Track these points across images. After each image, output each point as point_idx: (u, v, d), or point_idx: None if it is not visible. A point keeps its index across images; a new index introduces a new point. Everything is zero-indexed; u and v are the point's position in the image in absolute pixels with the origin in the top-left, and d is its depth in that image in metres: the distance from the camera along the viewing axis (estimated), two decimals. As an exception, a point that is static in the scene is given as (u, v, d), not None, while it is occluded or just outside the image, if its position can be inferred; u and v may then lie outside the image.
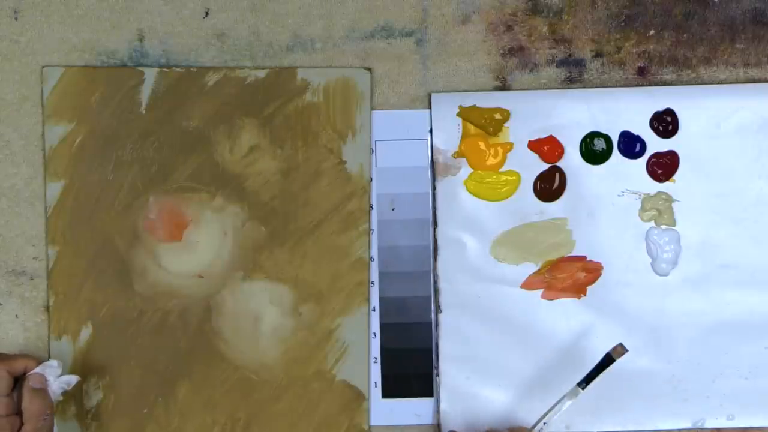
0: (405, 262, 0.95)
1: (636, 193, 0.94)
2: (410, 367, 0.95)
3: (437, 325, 0.94)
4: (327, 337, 0.94)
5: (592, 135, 0.94)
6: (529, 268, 0.94)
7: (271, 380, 0.94)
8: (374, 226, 0.95)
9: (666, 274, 0.94)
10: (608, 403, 0.94)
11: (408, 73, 0.95)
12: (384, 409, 0.95)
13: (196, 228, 0.94)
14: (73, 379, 0.89)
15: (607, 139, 0.94)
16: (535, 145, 0.94)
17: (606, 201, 0.94)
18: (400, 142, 0.95)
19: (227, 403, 0.94)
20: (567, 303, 0.94)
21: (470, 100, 0.94)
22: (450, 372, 0.94)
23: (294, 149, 0.94)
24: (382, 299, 0.95)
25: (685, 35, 0.95)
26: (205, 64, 0.95)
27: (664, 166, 0.94)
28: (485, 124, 0.94)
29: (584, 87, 0.95)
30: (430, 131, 0.95)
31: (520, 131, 0.94)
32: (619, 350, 0.88)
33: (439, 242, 0.94)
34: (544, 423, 0.88)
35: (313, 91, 0.94)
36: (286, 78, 0.94)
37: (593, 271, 0.94)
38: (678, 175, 0.94)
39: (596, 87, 0.95)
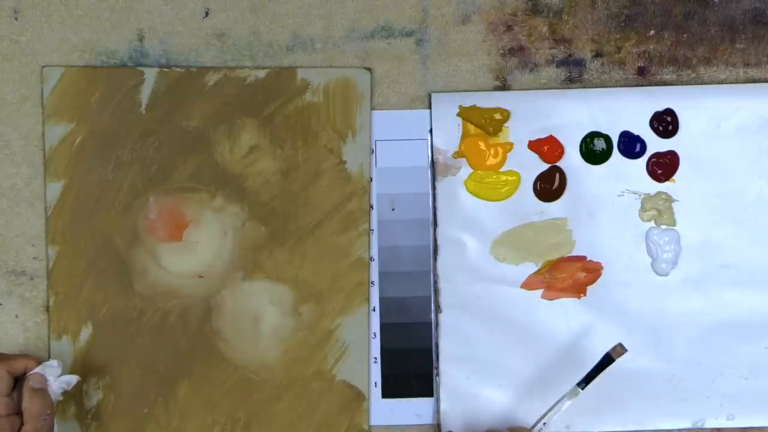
0: (405, 262, 0.95)
1: (636, 193, 0.94)
2: (410, 367, 0.95)
3: (437, 325, 0.94)
4: (327, 337, 0.94)
5: (592, 135, 0.94)
6: (529, 268, 0.94)
7: (271, 380, 0.94)
8: (374, 226, 0.95)
9: (666, 274, 0.94)
10: (608, 403, 0.94)
11: (408, 73, 0.95)
12: (384, 409, 0.95)
13: (196, 228, 0.94)
14: (73, 379, 0.89)
15: (607, 139, 0.94)
16: (535, 145, 0.94)
17: (606, 201, 0.94)
18: (400, 142, 0.95)
19: (227, 403, 0.94)
20: (567, 303, 0.94)
21: (470, 100, 0.94)
22: (450, 372, 0.94)
23: (294, 149, 0.94)
24: (382, 299, 0.95)
25: (685, 35, 0.95)
26: (205, 64, 0.95)
27: (664, 166, 0.94)
28: (485, 124, 0.94)
29: (584, 87, 0.95)
30: (430, 131, 0.95)
31: (520, 131, 0.94)
32: (619, 350, 0.88)
33: (439, 242, 0.94)
34: (544, 423, 0.88)
35: (313, 91, 0.94)
36: (286, 78, 0.94)
37: (593, 271, 0.94)
38: (678, 175, 0.94)
39: (596, 87, 0.95)
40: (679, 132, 0.94)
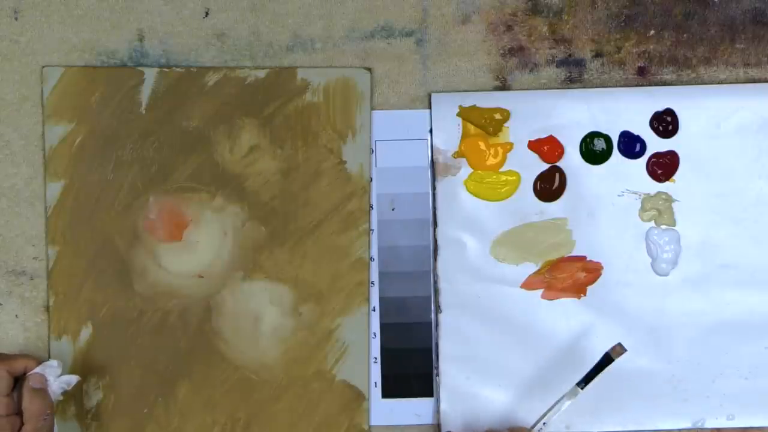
0: (405, 262, 0.95)
1: (636, 193, 0.94)
2: (410, 367, 0.95)
3: (437, 325, 0.94)
4: (327, 337, 0.94)
5: (592, 135, 0.94)
6: (529, 268, 0.94)
7: (271, 380, 0.94)
8: (374, 226, 0.95)
9: (666, 274, 0.94)
10: (608, 403, 0.94)
11: (408, 73, 0.95)
12: (384, 409, 0.95)
13: (196, 228, 0.94)
14: (73, 379, 0.89)
15: (607, 139, 0.94)
16: (535, 145, 0.94)
17: (606, 201, 0.94)
18: (400, 142, 0.95)
19: (227, 403, 0.94)
20: (567, 303, 0.94)
21: (470, 100, 0.94)
22: (450, 372, 0.94)
23: (294, 149, 0.94)
24: (382, 299, 0.95)
25: (685, 35, 0.95)
26: (205, 64, 0.95)
27: (664, 166, 0.94)
28: (485, 124, 0.94)
29: (584, 87, 0.95)
30: (430, 131, 0.95)
31: (520, 131, 0.94)
32: (618, 350, 0.88)
33: (439, 242, 0.94)
34: (544, 423, 0.88)
35: (313, 91, 0.94)
36: (286, 78, 0.94)
37: (593, 271, 0.94)
38: (678, 175, 0.94)
39: (596, 87, 0.95)
40: (679, 132, 0.94)
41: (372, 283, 0.95)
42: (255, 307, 0.94)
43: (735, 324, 0.94)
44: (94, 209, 0.94)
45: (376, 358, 0.95)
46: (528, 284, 0.94)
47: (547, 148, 0.94)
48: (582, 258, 0.94)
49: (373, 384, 0.95)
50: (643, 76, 0.95)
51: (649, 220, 0.94)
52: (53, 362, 0.88)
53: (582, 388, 0.88)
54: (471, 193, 0.94)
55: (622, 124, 0.94)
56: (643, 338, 0.94)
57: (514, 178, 0.94)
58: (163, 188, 0.94)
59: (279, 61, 0.95)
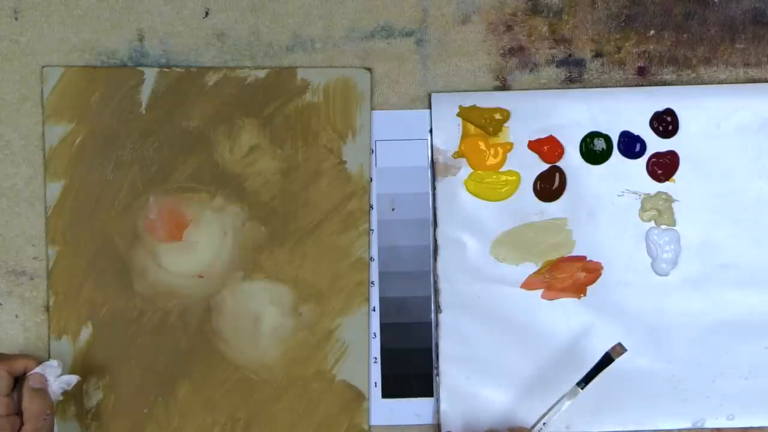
0: (405, 262, 0.95)
1: (636, 193, 0.94)
2: (410, 367, 0.95)
3: (437, 325, 0.94)
4: (327, 337, 0.94)
5: (592, 135, 0.94)
6: (529, 268, 0.94)
7: (271, 380, 0.94)
8: (374, 226, 0.95)
9: (666, 274, 0.94)
10: (608, 403, 0.94)
11: (408, 73, 0.95)
12: (384, 409, 0.95)
13: (196, 228, 0.94)
14: (73, 379, 0.89)
15: (607, 139, 0.94)
16: (535, 145, 0.94)
17: (606, 201, 0.94)
18: (400, 142, 0.95)
19: (227, 403, 0.94)
20: (567, 303, 0.94)
21: (470, 100, 0.94)
22: (450, 372, 0.94)
23: (294, 149, 0.94)
24: (382, 299, 0.95)
25: (685, 35, 0.95)
26: (205, 64, 0.95)
27: (664, 166, 0.94)
28: (485, 124, 0.94)
29: (584, 87, 0.95)
30: (430, 131, 0.95)
31: (520, 131, 0.94)
32: (618, 350, 0.88)
33: (439, 242, 0.94)
34: (544, 423, 0.88)
35: (313, 91, 0.94)
36: (286, 78, 0.94)
37: (593, 271, 0.94)
38: (678, 175, 0.94)
39: (596, 87, 0.95)
40: (679, 132, 0.94)
41: (372, 283, 0.95)
42: (255, 307, 0.94)
43: (735, 324, 0.94)
44: (94, 209, 0.94)
45: (376, 358, 0.95)
46: (528, 284, 0.94)
47: (547, 148, 0.94)
48: (582, 258, 0.94)
49: (373, 384, 0.95)
50: (643, 76, 0.95)
51: (649, 220, 0.94)
52: (53, 362, 0.88)
53: (582, 388, 0.88)
54: (471, 193, 0.94)
55: (622, 124, 0.94)
56: (643, 338, 0.94)
57: (514, 178, 0.94)
58: (163, 188, 0.94)
59: (279, 61, 0.95)
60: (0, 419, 0.84)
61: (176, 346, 0.94)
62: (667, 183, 0.94)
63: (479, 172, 0.94)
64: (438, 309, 0.94)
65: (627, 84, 0.95)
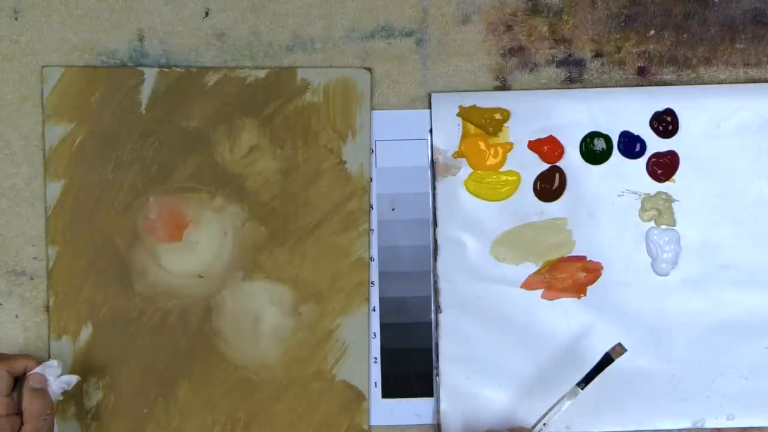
0: (405, 262, 0.95)
1: (636, 193, 0.94)
2: (410, 367, 0.95)
3: (437, 325, 0.94)
4: (327, 337, 0.94)
5: (592, 135, 0.94)
6: (529, 268, 0.94)
7: (271, 380, 0.94)
8: (374, 226, 0.95)
9: (666, 274, 0.94)
10: (608, 403, 0.94)
11: (408, 73, 0.95)
12: (384, 409, 0.95)
13: (196, 228, 0.94)
14: (73, 379, 0.89)
15: (607, 139, 0.94)
16: (535, 145, 0.94)
17: (606, 201, 0.94)
18: (400, 142, 0.95)
19: (227, 403, 0.94)
20: (567, 303, 0.94)
21: (470, 100, 0.94)
22: (450, 372, 0.94)
23: (294, 149, 0.94)
24: (382, 299, 0.95)
25: (685, 35, 0.95)
26: (205, 64, 0.95)
27: (664, 166, 0.94)
28: (485, 124, 0.94)
29: (584, 87, 0.95)
30: (430, 131, 0.95)
31: (520, 131, 0.94)
32: (618, 350, 0.88)
33: (439, 242, 0.94)
34: (544, 423, 0.88)
35: (313, 91, 0.94)
36: (286, 78, 0.94)
37: (593, 271, 0.94)
38: (678, 175, 0.94)
39: (596, 87, 0.95)
40: (679, 132, 0.94)
41: (372, 283, 0.95)
42: (255, 307, 0.94)
43: (735, 324, 0.94)
44: (94, 209, 0.94)
45: (376, 358, 0.95)
46: (528, 284, 0.94)
47: (547, 148, 0.94)
48: (582, 258, 0.94)
49: (373, 384, 0.95)
50: (643, 76, 0.95)
51: (649, 220, 0.94)
52: (53, 362, 0.88)
53: (582, 388, 0.88)
54: (471, 193, 0.94)
55: (622, 124, 0.94)
56: (643, 338, 0.94)
57: (514, 178, 0.94)
58: (163, 188, 0.94)
59: (279, 61, 0.95)
60: (0, 419, 0.84)
61: (176, 346, 0.94)
62: (667, 183, 0.94)
63: (479, 172, 0.94)
64: (438, 309, 0.94)
65: (627, 84, 0.95)
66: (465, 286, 0.94)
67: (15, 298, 0.94)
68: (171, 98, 0.94)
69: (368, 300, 0.94)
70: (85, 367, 0.94)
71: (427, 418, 0.95)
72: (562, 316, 0.94)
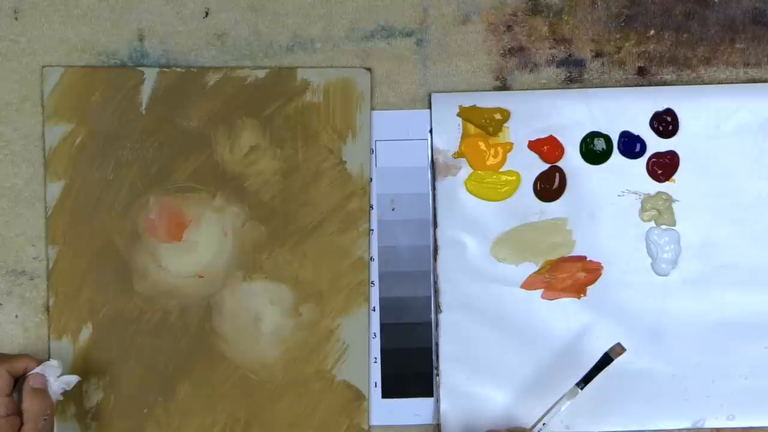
0: (405, 262, 0.95)
1: (636, 193, 0.94)
2: (410, 367, 0.95)
3: (437, 325, 0.94)
4: (327, 337, 0.94)
5: (592, 135, 0.94)
6: (529, 268, 0.94)
7: (271, 380, 0.94)
8: (374, 226, 0.95)
9: (666, 274, 0.94)
10: (608, 403, 0.94)
11: (408, 73, 0.95)
12: (384, 409, 0.95)
13: (196, 228, 0.94)
14: (73, 379, 0.89)
15: (607, 139, 0.94)
16: (535, 145, 0.94)
17: (606, 201, 0.94)
18: (400, 142, 0.95)
19: (227, 403, 0.94)
20: (567, 303, 0.94)
21: (470, 100, 0.94)
22: (450, 372, 0.94)
23: (294, 149, 0.94)
24: (382, 299, 0.95)
25: (685, 35, 0.95)
26: (205, 64, 0.95)
27: (664, 166, 0.94)
28: (485, 124, 0.94)
29: (584, 87, 0.95)
30: (430, 131, 0.95)
31: (520, 131, 0.94)
32: (617, 350, 0.88)
33: (439, 242, 0.94)
34: (544, 423, 0.88)
35: (313, 91, 0.94)
36: (286, 78, 0.94)
37: (593, 271, 0.94)
38: (678, 175, 0.94)
39: (596, 87, 0.95)
40: (679, 132, 0.94)
41: (372, 283, 0.95)
42: (255, 307, 0.94)
43: (735, 324, 0.94)
44: (94, 209, 0.94)
45: (376, 358, 0.95)
46: (528, 284, 0.94)
47: (547, 148, 0.94)
48: (582, 258, 0.94)
49: (373, 384, 0.95)
50: (643, 76, 0.95)
51: (649, 220, 0.94)
52: (53, 362, 0.88)
53: (581, 389, 0.88)
54: (471, 193, 0.94)
55: (622, 124, 0.94)
56: (643, 338, 0.94)
57: (514, 178, 0.94)
58: (163, 188, 0.94)
59: (279, 61, 0.95)
60: (0, 419, 0.84)
61: (176, 346, 0.94)
62: (667, 183, 0.94)
63: (479, 172, 0.94)
64: (438, 309, 0.94)
65: (627, 84, 0.95)
66: (465, 286, 0.94)
67: (15, 298, 0.94)
68: (171, 98, 0.94)
69: (368, 300, 0.94)
70: (85, 367, 0.94)
71: (427, 418, 0.95)
72: (562, 316, 0.94)
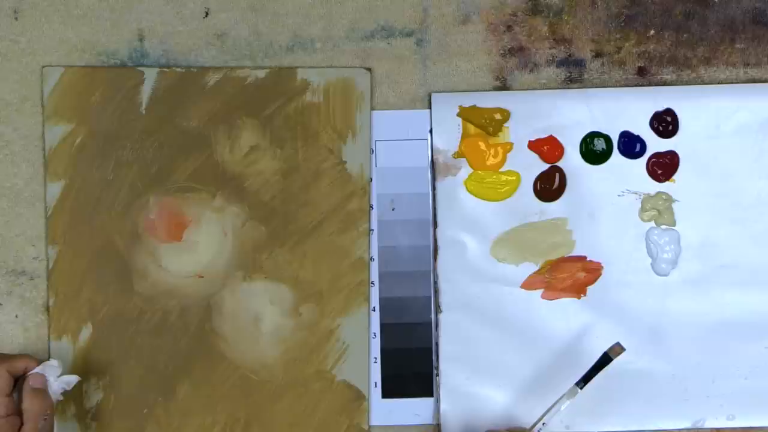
0: (405, 262, 0.95)
1: (636, 193, 0.94)
2: (410, 367, 0.95)
3: (437, 325, 0.94)
4: (327, 337, 0.94)
5: (592, 135, 0.94)
6: (529, 268, 0.94)
7: (271, 380, 0.94)
8: (374, 226, 0.95)
9: (666, 274, 0.94)
10: (608, 403, 0.94)
11: (408, 73, 0.95)
12: (384, 409, 0.95)
13: (196, 228, 0.94)
14: (73, 379, 0.89)
15: (607, 139, 0.94)
16: (535, 145, 0.94)
17: (606, 201, 0.94)
18: (400, 142, 0.95)
19: (227, 403, 0.94)
20: (567, 303, 0.94)
21: (470, 100, 0.94)
22: (450, 372, 0.94)
23: (294, 149, 0.94)
24: (382, 299, 0.95)
25: (685, 35, 0.95)
26: (205, 64, 0.95)
27: (664, 166, 0.94)
28: (485, 124, 0.94)
29: (584, 87, 0.95)
30: (430, 131, 0.95)
31: (520, 131, 0.94)
32: (617, 349, 0.88)
33: (439, 242, 0.94)
34: (543, 423, 0.88)
35: (313, 91, 0.94)
36: (286, 78, 0.94)
37: (593, 271, 0.94)
38: (678, 175, 0.94)
39: (596, 87, 0.95)
40: (679, 132, 0.94)
41: (372, 283, 0.95)
42: (255, 307, 0.94)
43: (735, 324, 0.94)
44: (94, 209, 0.94)
45: (376, 358, 0.95)
46: (528, 284, 0.94)
47: (547, 148, 0.94)
48: (582, 258, 0.94)
49: (373, 384, 0.95)
50: (643, 76, 0.95)
51: (649, 220, 0.94)
52: (53, 362, 0.88)
53: (581, 388, 0.88)
54: (471, 193, 0.94)
55: (622, 124, 0.94)
56: (643, 338, 0.94)
57: (514, 178, 0.94)
58: (163, 188, 0.94)
59: (279, 61, 0.95)
60: (0, 419, 0.84)
61: (176, 346, 0.94)
62: (667, 183, 0.94)
63: (479, 172, 0.94)
64: (438, 309, 0.94)
65: (627, 84, 0.95)
66: (465, 286, 0.94)
67: (15, 298, 0.94)
68: (171, 98, 0.94)
69: (368, 300, 0.94)
70: (85, 367, 0.94)
71: (427, 418, 0.95)
72: (562, 316, 0.94)
